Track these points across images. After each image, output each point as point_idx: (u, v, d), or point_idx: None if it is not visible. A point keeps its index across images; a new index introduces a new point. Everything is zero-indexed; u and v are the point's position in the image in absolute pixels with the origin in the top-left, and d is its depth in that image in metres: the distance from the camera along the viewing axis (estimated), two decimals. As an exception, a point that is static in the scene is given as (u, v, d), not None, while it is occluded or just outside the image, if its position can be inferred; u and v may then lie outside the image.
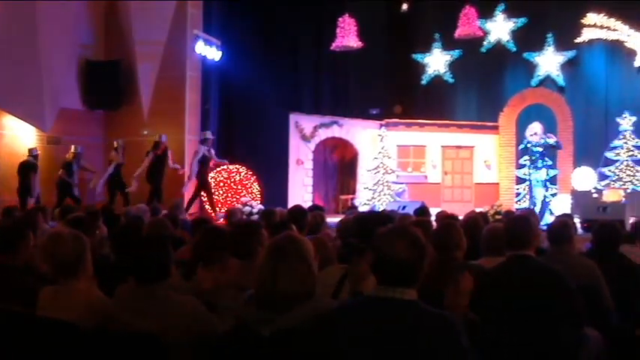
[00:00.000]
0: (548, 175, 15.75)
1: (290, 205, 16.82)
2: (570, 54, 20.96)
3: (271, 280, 3.40)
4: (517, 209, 16.79)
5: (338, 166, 21.06)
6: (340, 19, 20.38)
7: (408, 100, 22.25)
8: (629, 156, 19.32)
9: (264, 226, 5.31)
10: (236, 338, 3.47)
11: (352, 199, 20.15)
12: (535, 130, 15.66)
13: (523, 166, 19.15)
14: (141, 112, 17.34)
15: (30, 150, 15.31)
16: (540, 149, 15.54)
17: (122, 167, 16.21)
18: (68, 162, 15.86)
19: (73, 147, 15.97)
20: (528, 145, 15.82)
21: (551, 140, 15.83)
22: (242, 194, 17.36)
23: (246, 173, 17.82)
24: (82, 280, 4.42)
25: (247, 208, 16.26)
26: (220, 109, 19.25)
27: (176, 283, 4.37)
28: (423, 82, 22.53)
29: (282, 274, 3.40)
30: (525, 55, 21.41)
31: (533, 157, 15.58)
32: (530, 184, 15.84)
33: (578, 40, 20.67)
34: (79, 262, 4.42)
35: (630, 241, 7.54)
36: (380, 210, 14.87)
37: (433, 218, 8.61)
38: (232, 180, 17.24)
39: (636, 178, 19.08)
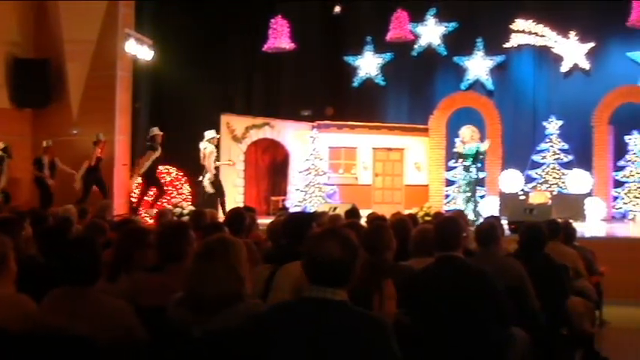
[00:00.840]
0: (477, 177, 15.91)
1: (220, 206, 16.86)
2: (499, 58, 21.29)
3: (200, 281, 3.38)
4: (446, 211, 17.00)
5: (269, 168, 21.02)
6: (272, 20, 20.36)
7: (339, 102, 22.32)
8: (555, 159, 19.71)
9: (194, 228, 5.27)
10: (167, 340, 3.44)
11: (283, 200, 20.14)
12: (463, 136, 15.83)
13: (453, 168, 19.41)
14: (70, 111, 17.04)
15: None
16: (470, 153, 15.68)
17: (101, 162, 16.10)
18: (38, 157, 15.73)
19: (44, 142, 15.85)
20: (458, 150, 15.99)
21: (483, 146, 15.99)
22: (172, 195, 17.20)
23: (176, 174, 17.66)
24: (4, 283, 4.32)
25: (178, 210, 16.12)
26: (151, 109, 19.05)
27: (101, 286, 4.31)
28: (355, 84, 22.62)
29: (211, 275, 3.39)
30: (455, 59, 21.67)
31: (467, 161, 15.71)
32: (463, 185, 15.98)
33: (507, 45, 21.00)
34: (1, 264, 4.32)
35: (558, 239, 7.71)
36: (311, 211, 14.90)
37: (364, 220, 8.66)
38: (163, 181, 17.07)
39: (562, 180, 19.48)
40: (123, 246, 4.95)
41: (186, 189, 17.50)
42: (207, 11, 19.37)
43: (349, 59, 22.58)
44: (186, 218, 13.17)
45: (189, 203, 17.06)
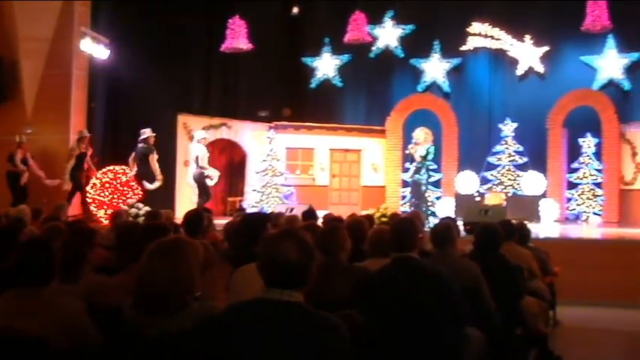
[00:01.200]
0: (429, 178, 16.00)
1: (178, 207, 16.77)
2: (456, 61, 21.46)
3: (151, 281, 3.36)
4: (403, 212, 17.07)
5: (226, 168, 20.92)
6: (230, 20, 20.26)
7: (297, 103, 22.33)
8: (510, 161, 19.90)
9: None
10: (121, 341, 3.41)
11: (240, 201, 20.07)
12: (417, 138, 15.89)
13: (409, 169, 19.51)
14: (24, 109, 16.82)
15: None
16: (424, 154, 15.73)
17: (85, 157, 15.98)
18: (11, 153, 15.55)
19: (17, 137, 15.65)
20: (411, 151, 16.02)
21: (430, 148, 16.06)
22: (128, 196, 17.03)
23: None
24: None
25: (133, 210, 15.96)
26: (107, 109, 18.86)
27: (56, 287, 4.27)
28: (313, 85, 22.66)
29: (162, 275, 3.36)
30: (412, 61, 21.80)
31: (420, 162, 15.76)
32: (415, 187, 16.04)
33: (464, 48, 21.18)
34: None
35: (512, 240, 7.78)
36: (268, 212, 14.86)
37: (321, 221, 8.66)
38: (118, 181, 16.86)
39: (517, 182, 19.67)
40: (71, 246, 4.92)
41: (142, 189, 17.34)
42: (165, 11, 19.21)
43: (307, 60, 22.60)
44: (141, 219, 13.06)
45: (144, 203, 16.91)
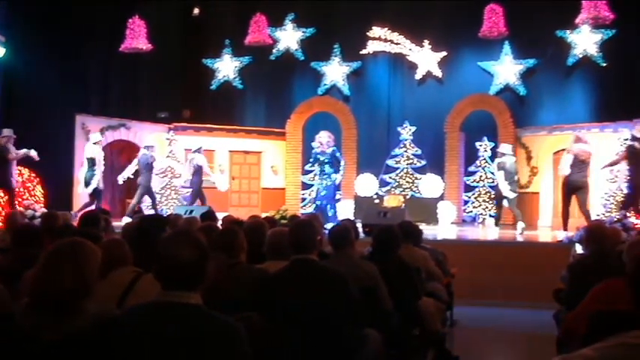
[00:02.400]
0: (333, 181, 15.97)
1: (75, 208, 16.40)
2: (356, 65, 21.65)
3: (47, 283, 3.28)
4: (302, 214, 17.13)
5: (125, 169, 20.52)
6: (130, 20, 19.89)
7: (197, 104, 22.15)
8: (409, 164, 20.20)
9: (45, 230, 5.11)
10: (14, 347, 3.30)
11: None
12: (320, 141, 15.90)
13: (309, 172, 19.57)
14: None
15: None
16: (326, 158, 15.78)
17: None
18: None
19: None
20: (318, 155, 15.97)
21: (337, 153, 16.16)
22: (25, 197, 16.57)
23: (29, 175, 17.01)
24: None
25: (30, 212, 15.54)
26: (2, 108, 18.29)
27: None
28: (213, 87, 22.52)
29: (60, 277, 3.29)
30: (313, 64, 21.90)
31: (322, 166, 15.76)
32: (318, 190, 16.07)
33: (364, 51, 21.39)
34: None
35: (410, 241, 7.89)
36: (167, 214, 14.68)
37: (220, 223, 8.61)
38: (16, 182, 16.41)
39: (415, 184, 19.97)
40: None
41: (38, 190, 16.89)
42: (64, 9, 18.75)
43: (208, 62, 22.46)
44: (38, 221, 12.72)
45: (42, 205, 16.48)
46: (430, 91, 21.10)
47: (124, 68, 21.09)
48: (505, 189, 15.42)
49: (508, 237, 15.01)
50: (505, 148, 16.20)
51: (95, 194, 16.28)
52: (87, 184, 16.30)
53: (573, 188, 13.87)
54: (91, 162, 16.30)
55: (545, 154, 18.60)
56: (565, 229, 13.88)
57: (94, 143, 16.60)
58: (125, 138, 19.89)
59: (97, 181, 16.22)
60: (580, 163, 13.86)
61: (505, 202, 15.76)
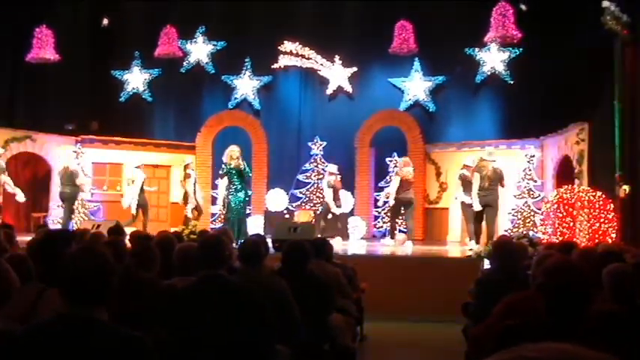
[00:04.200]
0: (246, 196, 15.77)
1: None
2: (266, 79, 21.65)
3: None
4: (212, 229, 16.96)
5: (30, 183, 20.04)
6: (37, 29, 19.44)
7: (105, 116, 21.73)
8: (319, 179, 20.26)
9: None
10: None
11: (44, 217, 19.28)
12: (230, 154, 15.57)
13: (215, 186, 19.40)
14: None
15: None
16: (236, 172, 15.48)
17: None
18: None
19: None
20: (226, 169, 15.59)
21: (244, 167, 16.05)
22: None
23: None
24: None
25: None
26: None
27: None
28: (122, 99, 22.20)
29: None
30: (224, 77, 21.82)
31: (232, 180, 15.40)
32: (229, 205, 15.62)
33: (275, 65, 21.40)
34: None
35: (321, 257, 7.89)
36: (73, 229, 14.37)
37: (127, 238, 8.47)
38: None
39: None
40: None
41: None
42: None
43: (117, 73, 22.15)
44: None
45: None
46: (341, 106, 21.23)
47: (30, 78, 20.63)
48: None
49: (418, 252, 15.17)
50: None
51: None
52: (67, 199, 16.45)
53: (402, 205, 16.36)
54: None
55: (453, 170, 18.92)
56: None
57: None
58: (31, 150, 19.40)
59: None
60: (406, 184, 16.15)
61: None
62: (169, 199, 20.57)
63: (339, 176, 17.90)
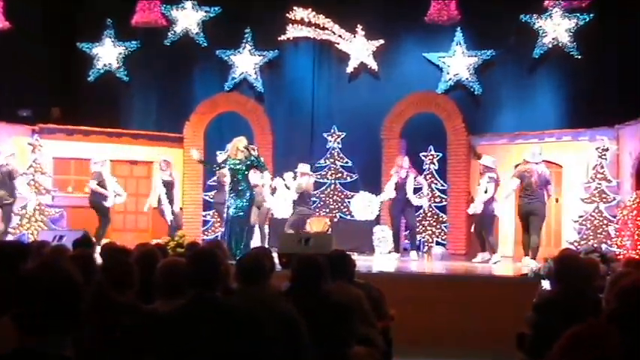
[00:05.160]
0: (250, 201, 15.38)
1: None
2: (271, 54, 21.65)
3: None
4: (204, 240, 16.97)
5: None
6: (-19, -8, 19.57)
7: (70, 100, 21.72)
8: (337, 178, 20.24)
9: None
10: None
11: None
12: (236, 145, 15.22)
13: (212, 187, 19.39)
14: None
15: None
16: (244, 169, 15.00)
17: None
18: None
19: None
20: (231, 165, 15.20)
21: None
22: None
23: None
24: None
25: None
26: None
27: None
28: (91, 78, 22.20)
29: None
30: (218, 52, 21.83)
31: (236, 179, 15.09)
32: (227, 211, 15.31)
33: (282, 38, 21.40)
34: None
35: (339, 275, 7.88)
36: (28, 241, 14.41)
37: (98, 251, 8.50)
38: None
39: (344, 204, 19.99)
40: None
41: None
42: None
43: (84, 46, 22.17)
44: None
45: None
46: (364, 88, 21.21)
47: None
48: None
49: (460, 270, 15.13)
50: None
51: None
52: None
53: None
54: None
55: (505, 167, 18.80)
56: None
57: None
58: (-24, 141, 19.47)
59: None
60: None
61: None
62: (151, 204, 20.51)
63: (312, 178, 17.81)
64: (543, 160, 15.56)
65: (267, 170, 16.37)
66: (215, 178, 18.45)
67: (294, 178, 18.01)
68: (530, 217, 15.25)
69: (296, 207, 17.65)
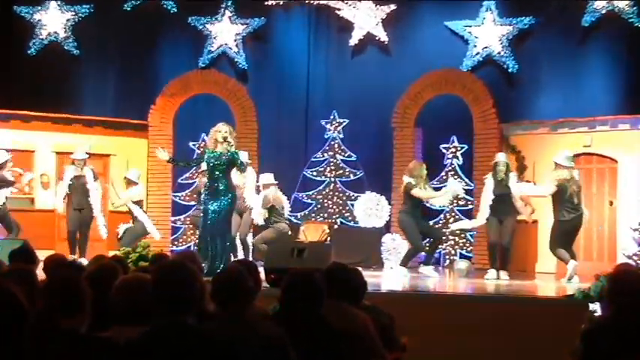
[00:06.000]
0: (232, 203, 15.25)
1: None
2: (257, 22, 21.66)
3: None
4: (173, 252, 16.96)
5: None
6: None
7: (5, 78, 21.73)
8: (337, 176, 20.21)
9: None
10: None
11: None
12: (214, 136, 15.02)
13: (187, 186, 19.39)
14: None
15: None
16: (223, 165, 14.68)
17: None
18: None
19: None
20: (209, 160, 14.99)
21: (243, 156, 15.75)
22: None
23: None
24: None
25: None
26: None
27: None
28: (31, 50, 22.18)
29: None
30: (191, 19, 21.84)
31: (214, 177, 14.91)
32: (203, 216, 15.17)
33: (270, 1, 21.41)
34: None
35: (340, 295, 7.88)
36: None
37: (41, 266, 8.50)
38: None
39: (347, 208, 19.97)
40: None
41: None
42: None
43: (23, 11, 22.13)
44: None
45: None
46: (371, 65, 21.24)
47: None
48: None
49: (489, 288, 15.15)
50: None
51: None
52: None
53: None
54: None
55: (545, 161, 18.77)
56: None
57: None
58: None
59: None
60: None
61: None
62: (108, 206, 20.45)
63: (277, 189, 17.76)
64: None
65: (246, 169, 15.71)
66: (194, 179, 18.50)
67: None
68: (576, 230, 15.66)
69: (272, 223, 17.41)
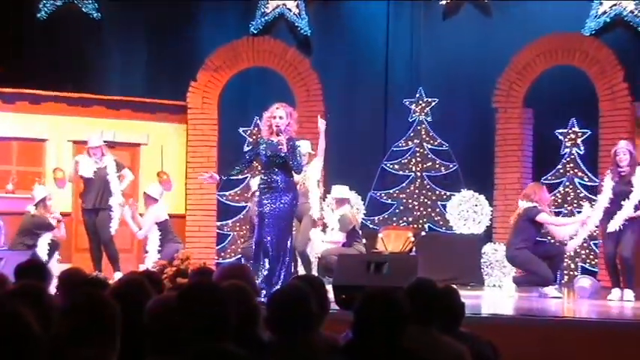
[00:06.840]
0: (293, 204, 15.15)
1: None
2: (323, -20, 21.73)
3: None
4: (218, 265, 17.06)
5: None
6: None
7: (12, 51, 21.95)
8: (425, 169, 20.18)
9: None
10: None
11: None
12: (272, 119, 14.83)
13: (237, 184, 19.51)
14: None
15: None
16: (282, 158, 14.37)
17: None
18: None
19: None
20: (262, 149, 14.89)
21: (304, 147, 15.72)
22: None
23: None
24: None
25: None
26: None
27: None
28: (42, 14, 22.31)
29: None
30: (240, -24, 21.98)
31: (269, 171, 14.75)
32: (260, 220, 15.04)
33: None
34: None
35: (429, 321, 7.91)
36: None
37: (55, 282, 8.58)
38: None
39: (437, 210, 19.95)
40: None
41: None
42: None
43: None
44: None
45: None
46: (467, 30, 21.21)
47: None
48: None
49: (613, 311, 15.11)
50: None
51: None
52: None
53: None
54: None
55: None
56: None
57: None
58: None
59: None
60: None
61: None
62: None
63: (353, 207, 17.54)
64: None
65: (302, 168, 15.36)
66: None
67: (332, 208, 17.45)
68: None
69: (352, 243, 17.29)
